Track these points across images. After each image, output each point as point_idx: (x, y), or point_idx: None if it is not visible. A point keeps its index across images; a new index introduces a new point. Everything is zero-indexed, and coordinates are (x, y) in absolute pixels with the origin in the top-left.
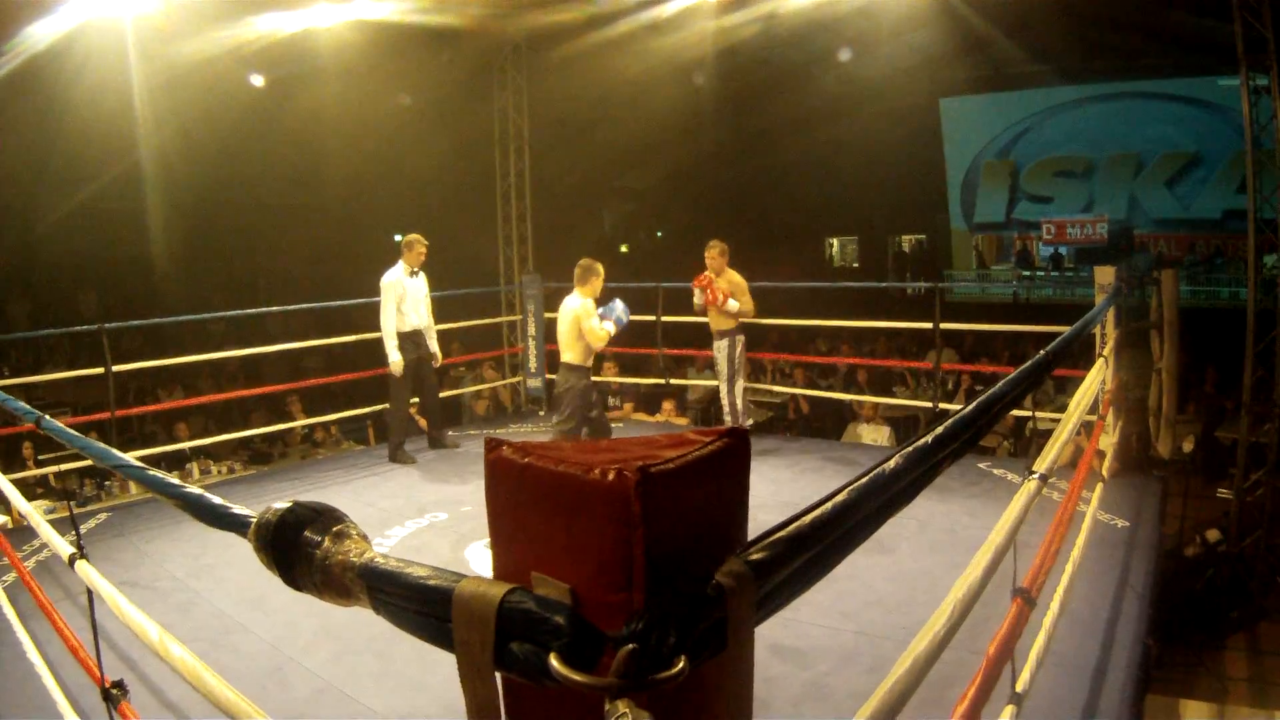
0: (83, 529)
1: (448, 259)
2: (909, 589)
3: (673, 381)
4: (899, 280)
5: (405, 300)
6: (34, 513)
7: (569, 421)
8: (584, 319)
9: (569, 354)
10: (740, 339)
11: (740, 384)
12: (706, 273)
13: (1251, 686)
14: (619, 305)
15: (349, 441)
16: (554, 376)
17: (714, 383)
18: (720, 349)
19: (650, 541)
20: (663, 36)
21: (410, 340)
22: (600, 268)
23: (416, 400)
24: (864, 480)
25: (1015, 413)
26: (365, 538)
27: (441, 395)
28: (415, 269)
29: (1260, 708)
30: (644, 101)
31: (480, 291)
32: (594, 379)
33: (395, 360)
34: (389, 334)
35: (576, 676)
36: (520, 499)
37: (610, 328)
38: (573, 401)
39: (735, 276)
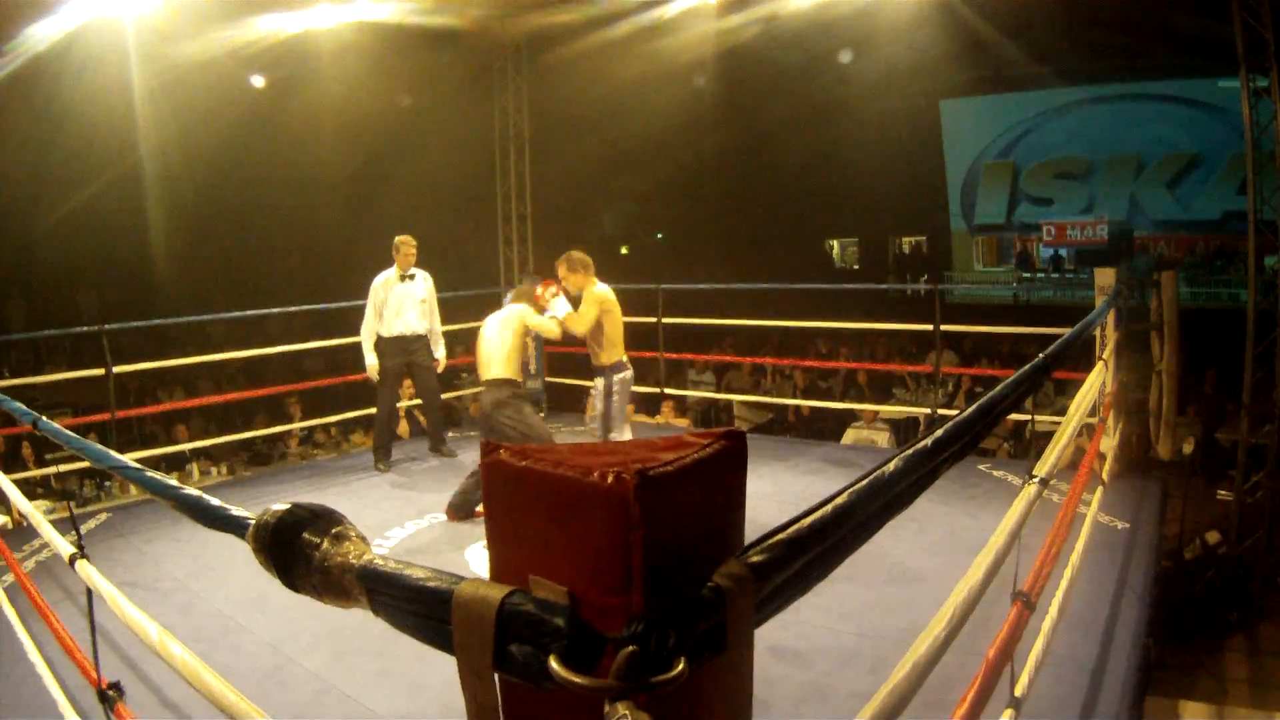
0: (83, 529)
1: (448, 259)
2: (909, 590)
3: (668, 391)
4: (899, 281)
5: (388, 305)
6: (34, 513)
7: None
8: (528, 317)
9: (502, 368)
10: (620, 377)
11: (624, 434)
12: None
13: (1251, 687)
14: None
15: (349, 442)
16: (479, 391)
17: (712, 394)
18: (596, 387)
19: (649, 544)
20: (663, 38)
21: (394, 345)
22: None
23: (419, 403)
24: (864, 483)
25: (1015, 416)
26: (364, 539)
27: (441, 396)
28: (406, 272)
29: (1260, 708)
30: (644, 102)
31: (480, 293)
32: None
33: (369, 364)
34: (364, 337)
35: (576, 678)
36: (518, 502)
37: (559, 313)
38: (514, 422)
39: (593, 295)
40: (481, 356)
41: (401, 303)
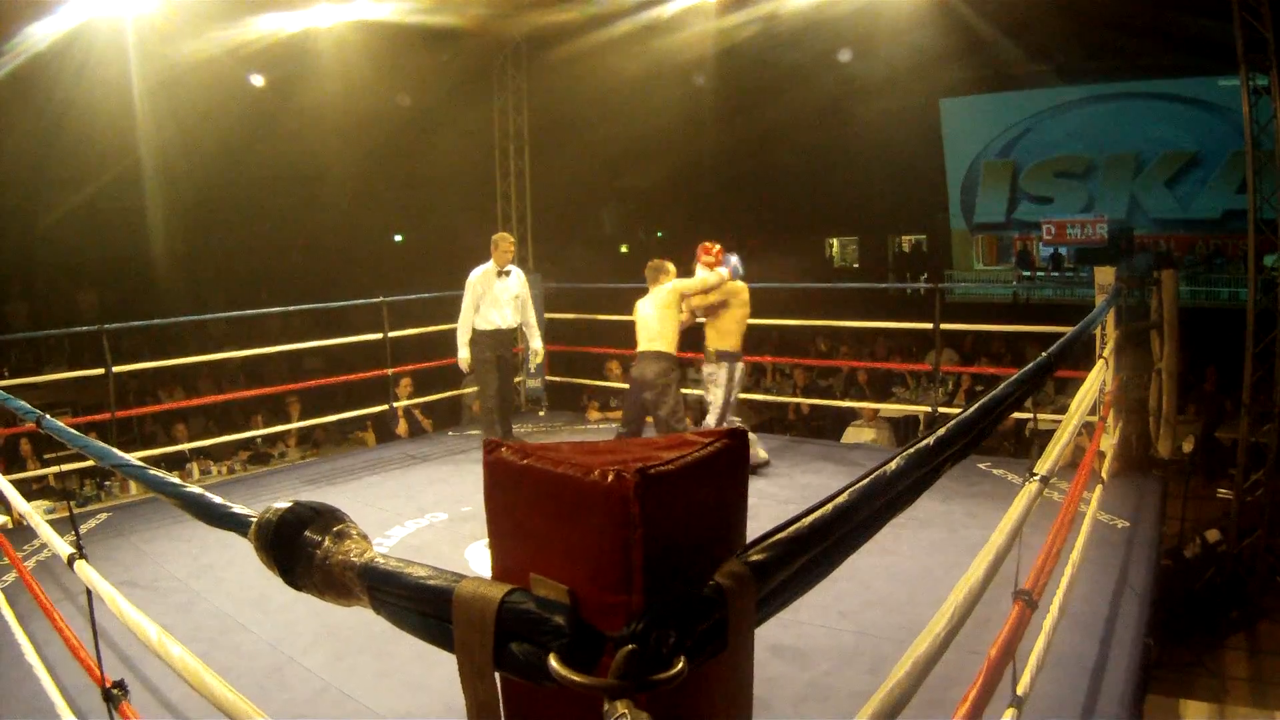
0: (83, 529)
1: (447, 259)
2: (909, 589)
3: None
4: (899, 280)
5: (485, 299)
6: (34, 513)
7: (679, 412)
8: (680, 284)
9: (661, 342)
10: (740, 366)
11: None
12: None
13: (1251, 686)
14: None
15: (349, 441)
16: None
17: (705, 394)
18: (715, 373)
19: (649, 543)
20: (663, 36)
21: (491, 338)
22: (671, 266)
23: (421, 403)
24: (864, 482)
25: (1016, 414)
26: (365, 538)
27: (441, 396)
28: (503, 268)
29: (1260, 708)
30: (644, 101)
31: None
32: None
33: (462, 357)
34: (460, 329)
35: (576, 677)
36: (519, 500)
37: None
38: (675, 392)
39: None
40: (641, 332)
41: (499, 297)
